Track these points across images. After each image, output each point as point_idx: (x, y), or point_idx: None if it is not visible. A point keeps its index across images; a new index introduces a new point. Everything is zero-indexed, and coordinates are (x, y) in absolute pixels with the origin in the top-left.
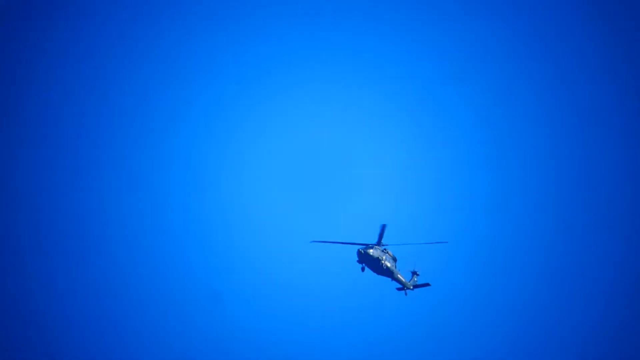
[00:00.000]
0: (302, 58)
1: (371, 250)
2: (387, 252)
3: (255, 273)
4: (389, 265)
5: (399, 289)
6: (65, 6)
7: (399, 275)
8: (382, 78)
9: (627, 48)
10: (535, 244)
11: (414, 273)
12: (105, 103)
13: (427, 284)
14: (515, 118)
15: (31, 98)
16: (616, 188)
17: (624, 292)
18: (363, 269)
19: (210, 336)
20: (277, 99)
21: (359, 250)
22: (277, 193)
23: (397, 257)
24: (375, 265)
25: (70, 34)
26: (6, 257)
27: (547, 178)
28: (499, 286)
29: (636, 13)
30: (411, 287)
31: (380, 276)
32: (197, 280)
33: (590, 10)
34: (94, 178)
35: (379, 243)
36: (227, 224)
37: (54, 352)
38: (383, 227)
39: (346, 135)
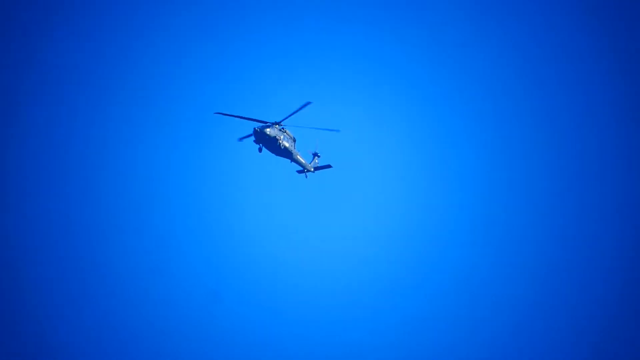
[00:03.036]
0: (299, 57)
1: (268, 129)
2: (286, 132)
3: (255, 273)
4: (287, 145)
5: (299, 172)
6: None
7: (298, 157)
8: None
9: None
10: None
11: (315, 155)
12: (104, 102)
13: (328, 166)
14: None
15: (24, 97)
16: (615, 188)
17: (620, 290)
18: (260, 150)
19: (209, 336)
20: (275, 97)
21: (255, 128)
22: (277, 192)
23: (296, 138)
24: (272, 144)
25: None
26: (5, 257)
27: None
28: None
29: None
30: (312, 170)
31: (279, 157)
32: (196, 281)
33: (589, 10)
34: (91, 177)
35: (279, 123)
36: (226, 223)
37: (52, 352)
38: (304, 105)
39: (344, 134)
